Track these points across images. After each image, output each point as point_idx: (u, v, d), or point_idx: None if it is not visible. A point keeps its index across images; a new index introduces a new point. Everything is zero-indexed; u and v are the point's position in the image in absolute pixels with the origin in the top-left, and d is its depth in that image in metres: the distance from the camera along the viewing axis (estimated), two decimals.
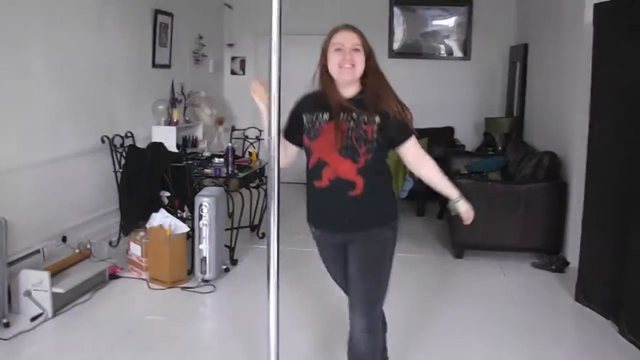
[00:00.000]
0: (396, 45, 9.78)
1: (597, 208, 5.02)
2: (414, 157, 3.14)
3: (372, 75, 3.08)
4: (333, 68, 3.03)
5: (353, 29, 3.08)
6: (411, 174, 7.50)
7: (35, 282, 4.67)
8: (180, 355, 4.25)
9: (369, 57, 3.07)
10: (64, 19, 5.76)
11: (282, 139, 3.07)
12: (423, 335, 4.53)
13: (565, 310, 5.14)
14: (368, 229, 3.11)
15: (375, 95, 3.04)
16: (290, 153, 3.25)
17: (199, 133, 8.33)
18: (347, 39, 3.04)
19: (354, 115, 2.99)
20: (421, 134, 6.11)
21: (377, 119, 2.99)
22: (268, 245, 2.95)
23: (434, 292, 5.44)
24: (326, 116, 3.04)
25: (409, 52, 9.77)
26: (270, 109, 2.90)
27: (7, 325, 4.46)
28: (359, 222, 3.10)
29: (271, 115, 2.92)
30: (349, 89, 3.08)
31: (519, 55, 8.63)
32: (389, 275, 3.17)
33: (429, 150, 8.20)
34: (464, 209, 3.21)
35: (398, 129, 3.05)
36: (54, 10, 5.61)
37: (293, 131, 3.18)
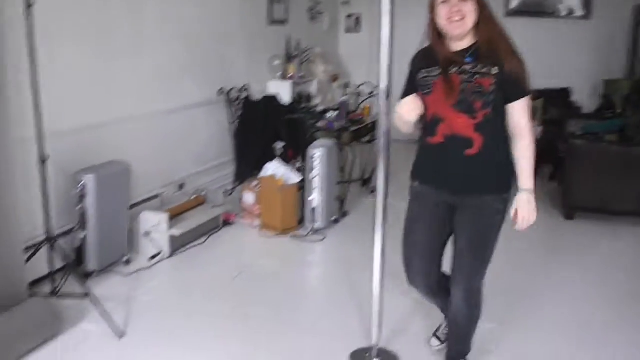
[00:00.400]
0: (514, 3, 9.56)
1: None
2: (518, 121, 2.88)
3: (484, 25, 2.85)
4: (441, 22, 2.84)
5: None
6: None
7: (154, 224, 4.93)
8: (289, 297, 4.43)
9: (482, 5, 2.84)
10: None
11: (410, 99, 2.99)
12: (531, 294, 4.52)
13: None
14: (480, 195, 2.97)
15: (488, 45, 2.84)
16: (414, 111, 3.00)
17: (313, 88, 8.44)
18: None
19: (466, 67, 2.83)
20: (537, 95, 5.93)
21: (495, 70, 2.80)
22: (377, 198, 3.02)
23: (542, 253, 5.39)
24: (437, 71, 2.90)
25: (527, 10, 9.54)
26: (381, 65, 2.94)
27: (127, 262, 4.76)
28: (472, 184, 2.96)
29: (381, 70, 2.97)
30: (461, 42, 2.89)
31: None
32: (494, 251, 3.07)
33: (545, 111, 8.10)
34: (521, 212, 2.93)
35: (513, 83, 2.83)
36: None
37: (411, 92, 3.04)
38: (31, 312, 3.57)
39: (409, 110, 2.94)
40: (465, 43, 2.89)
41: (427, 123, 2.98)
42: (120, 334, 3.70)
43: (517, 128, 2.88)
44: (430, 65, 2.95)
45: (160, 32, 5.63)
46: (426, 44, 3.02)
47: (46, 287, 4.08)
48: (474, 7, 2.81)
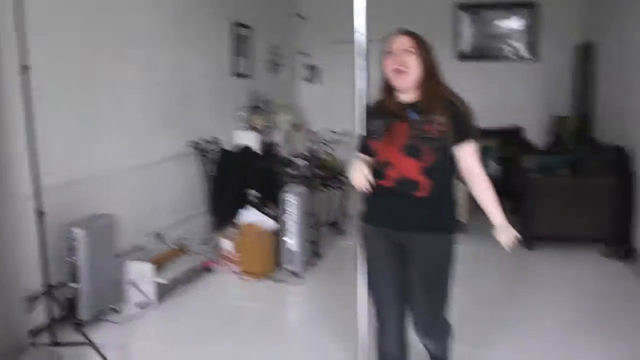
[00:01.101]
0: (463, 48, 10.04)
1: None
2: (470, 162, 3.08)
3: (428, 80, 3.09)
4: (387, 73, 3.11)
5: (407, 32, 3.12)
6: None
7: (140, 273, 5.12)
8: (277, 336, 4.67)
9: (426, 60, 3.08)
10: (157, 36, 6.26)
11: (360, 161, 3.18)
12: (497, 320, 4.83)
13: (636, 297, 5.36)
14: (427, 233, 3.10)
15: (433, 101, 3.05)
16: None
17: (278, 138, 8.74)
18: (397, 42, 3.09)
19: (412, 116, 3.05)
20: (491, 134, 6.36)
21: (443, 118, 3.00)
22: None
23: (507, 281, 5.76)
24: (384, 121, 3.13)
25: (476, 54, 10.04)
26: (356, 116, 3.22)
27: (116, 311, 4.92)
28: (420, 222, 3.10)
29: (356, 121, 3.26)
30: (408, 95, 3.12)
31: (586, 54, 8.83)
32: (449, 289, 3.18)
33: (500, 149, 8.53)
34: (503, 239, 3.08)
35: (459, 129, 3.03)
36: (150, 28, 6.13)
37: (365, 145, 3.28)
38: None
39: (359, 180, 3.10)
40: (411, 97, 3.12)
41: (378, 168, 3.14)
42: None
43: (469, 169, 3.09)
44: (381, 116, 3.17)
45: (137, 90, 5.90)
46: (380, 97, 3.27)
47: (44, 337, 4.23)
48: (418, 62, 3.06)
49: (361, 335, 3.67)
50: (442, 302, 3.21)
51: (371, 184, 3.11)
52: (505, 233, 3.08)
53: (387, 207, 3.18)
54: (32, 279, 4.20)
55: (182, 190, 6.78)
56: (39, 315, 4.24)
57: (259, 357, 4.29)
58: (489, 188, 3.10)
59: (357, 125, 3.39)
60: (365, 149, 3.27)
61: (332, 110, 10.16)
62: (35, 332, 4.28)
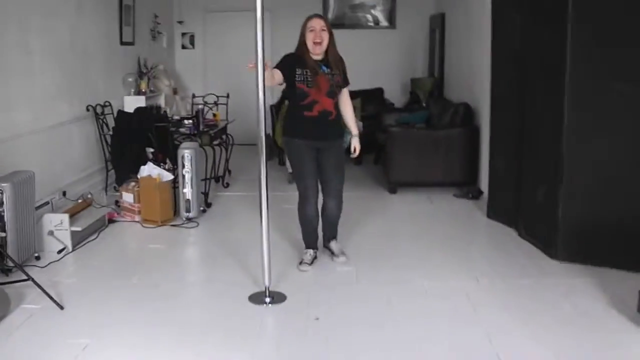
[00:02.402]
0: (329, 17, 10.93)
1: (498, 143, 6.42)
2: (346, 97, 5.25)
3: (332, 47, 5.06)
4: (309, 43, 4.96)
5: (320, 16, 5.08)
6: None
7: (57, 223, 5.75)
8: (185, 266, 5.66)
9: (331, 34, 5.01)
10: (55, 5, 6.83)
11: (275, 70, 4.85)
12: (367, 245, 5.89)
13: (480, 224, 6.57)
14: (335, 139, 5.20)
15: (333, 59, 5.09)
16: (277, 78, 4.87)
17: (161, 101, 9.41)
18: (317, 23, 4.96)
19: (326, 71, 4.99)
20: (354, 95, 7.70)
21: (338, 72, 5.06)
22: (259, 181, 4.46)
23: (374, 218, 6.79)
24: (309, 72, 4.94)
25: (341, 22, 10.98)
26: (257, 72, 4.18)
27: (37, 258, 5.51)
28: (332, 134, 5.17)
29: (258, 77, 4.19)
30: (318, 56, 5.03)
31: (438, 23, 9.95)
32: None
33: (363, 108, 9.57)
34: (355, 142, 5.25)
35: (345, 77, 5.20)
36: None
37: (283, 68, 4.92)
38: None
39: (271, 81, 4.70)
40: (320, 57, 5.05)
41: (307, 104, 4.99)
42: (61, 307, 4.54)
43: (345, 100, 5.25)
44: (301, 67, 4.95)
45: (39, 57, 6.48)
46: (291, 52, 5.08)
47: None
48: (327, 36, 4.99)
49: (265, 249, 4.57)
50: (343, 177, 5.29)
51: (299, 114, 5.04)
52: (358, 142, 5.29)
53: (312, 127, 5.07)
54: None
55: (83, 150, 7.44)
56: None
57: (166, 286, 5.03)
58: (352, 110, 5.30)
59: (260, 80, 4.27)
60: (282, 70, 4.92)
61: (206, 74, 11.00)
62: None
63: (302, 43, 5.01)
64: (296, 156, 5.19)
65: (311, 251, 5.37)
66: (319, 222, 5.39)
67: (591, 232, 5.14)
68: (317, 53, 4.99)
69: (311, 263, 5.30)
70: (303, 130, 5.08)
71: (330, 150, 5.13)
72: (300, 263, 5.29)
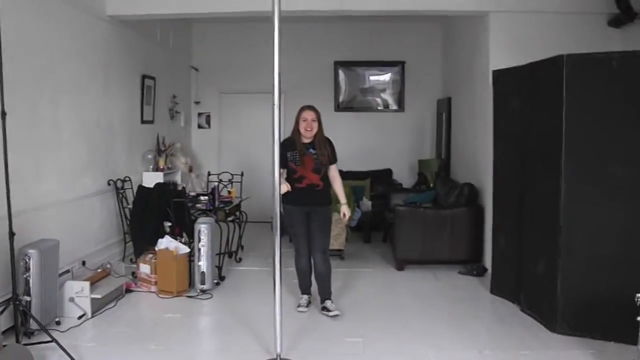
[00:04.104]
0: (341, 100, 11.39)
1: (501, 221, 6.72)
2: (333, 172, 6.29)
3: (319, 133, 6.16)
4: (301, 129, 6.10)
5: (313, 108, 6.12)
6: (358, 206, 9.20)
7: (78, 290, 6.03)
8: (199, 335, 5.85)
9: (320, 123, 6.13)
10: (84, 85, 7.27)
11: (282, 170, 5.93)
12: (375, 318, 6.12)
13: (483, 300, 6.78)
14: (321, 205, 6.17)
15: (320, 142, 6.16)
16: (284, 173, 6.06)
17: (177, 178, 9.76)
18: (309, 115, 6.08)
19: (313, 152, 6.08)
20: (363, 175, 8.00)
21: (325, 153, 6.12)
22: (274, 254, 4.83)
23: (382, 292, 7.05)
24: (298, 154, 6.05)
25: (351, 106, 11.42)
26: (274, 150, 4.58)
27: (58, 322, 5.78)
28: (319, 201, 6.17)
29: (275, 155, 4.60)
30: (308, 139, 6.13)
31: (445, 107, 10.34)
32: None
33: (372, 188, 9.91)
34: (344, 210, 6.22)
35: (332, 157, 6.23)
36: (79, 77, 7.14)
37: (282, 154, 5.54)
38: (11, 356, 4.59)
39: (284, 189, 5.88)
40: (310, 140, 6.15)
41: (297, 177, 6.09)
42: None
43: (333, 175, 6.30)
44: (292, 150, 6.09)
45: (67, 131, 6.86)
46: (286, 137, 6.15)
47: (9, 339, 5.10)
48: (317, 125, 6.11)
49: (277, 317, 4.80)
50: (328, 238, 6.30)
51: (292, 186, 6.04)
52: (347, 210, 6.27)
53: (303, 196, 6.10)
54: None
55: (104, 222, 7.77)
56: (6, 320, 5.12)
57: (182, 352, 5.29)
58: (341, 183, 6.33)
59: (276, 158, 4.69)
60: (284, 165, 6.01)
61: (221, 152, 11.39)
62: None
63: (295, 129, 6.18)
64: (290, 219, 6.19)
65: (306, 296, 6.42)
66: (312, 276, 6.35)
67: (590, 305, 5.39)
68: (307, 137, 6.12)
69: (307, 305, 6.35)
70: (295, 198, 6.08)
71: (317, 213, 6.15)
72: (298, 306, 6.33)
